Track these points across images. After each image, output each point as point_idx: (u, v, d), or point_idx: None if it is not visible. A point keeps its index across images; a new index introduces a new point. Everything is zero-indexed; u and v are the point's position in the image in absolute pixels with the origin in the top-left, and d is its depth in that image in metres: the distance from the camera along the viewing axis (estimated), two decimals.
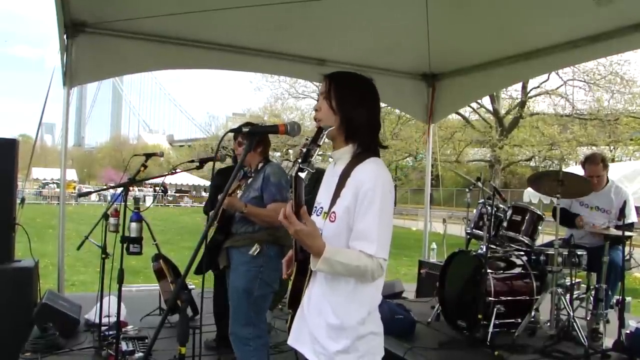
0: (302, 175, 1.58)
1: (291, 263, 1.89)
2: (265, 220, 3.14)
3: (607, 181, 4.63)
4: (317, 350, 1.75)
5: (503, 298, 4.02)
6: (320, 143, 1.63)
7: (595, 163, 4.57)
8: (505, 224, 4.34)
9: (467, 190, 5.08)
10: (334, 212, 1.74)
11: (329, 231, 1.72)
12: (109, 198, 18.27)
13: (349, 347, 1.70)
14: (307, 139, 1.64)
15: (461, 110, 21.67)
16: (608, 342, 3.75)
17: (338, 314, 1.72)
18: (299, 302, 1.83)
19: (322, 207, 1.82)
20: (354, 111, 1.77)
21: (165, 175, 4.35)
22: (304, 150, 1.59)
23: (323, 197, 1.84)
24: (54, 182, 38.43)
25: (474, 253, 4.33)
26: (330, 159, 1.90)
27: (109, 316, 3.92)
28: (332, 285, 1.73)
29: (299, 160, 1.57)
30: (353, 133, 1.78)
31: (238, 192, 3.30)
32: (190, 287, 4.91)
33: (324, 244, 1.62)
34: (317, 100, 1.84)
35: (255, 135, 1.93)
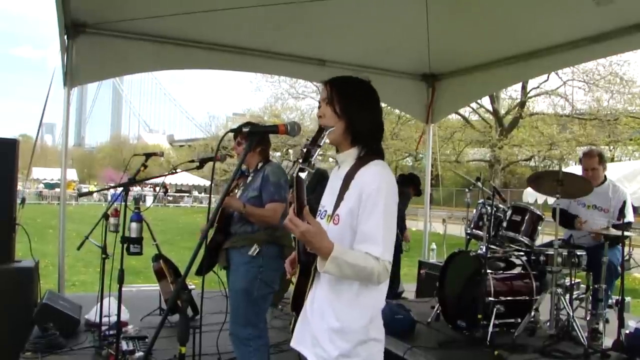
0: (303, 175, 1.58)
1: (295, 264, 1.89)
2: (263, 220, 3.13)
3: (605, 179, 4.64)
4: (318, 354, 1.74)
5: (503, 298, 4.02)
6: (321, 144, 1.63)
7: (591, 156, 4.61)
8: (504, 224, 4.34)
9: (466, 190, 5.08)
10: (337, 215, 1.74)
11: (333, 234, 1.71)
12: (109, 198, 18.25)
13: (350, 351, 1.70)
14: (307, 139, 1.65)
15: (461, 110, 21.66)
16: (608, 341, 3.75)
17: (340, 318, 1.71)
18: (302, 304, 1.83)
19: (326, 210, 1.82)
20: (358, 115, 1.78)
21: (165, 175, 4.34)
22: (304, 150, 1.60)
23: (327, 200, 1.84)
24: (45, 182, 38.35)
25: (474, 253, 4.33)
26: (331, 160, 1.91)
27: (109, 316, 3.92)
28: (335, 289, 1.73)
29: (300, 161, 1.58)
30: (358, 137, 1.79)
31: (236, 191, 3.29)
32: (190, 287, 4.91)
33: (332, 243, 1.60)
34: (319, 107, 1.83)
35: (255, 135, 1.93)
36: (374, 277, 1.65)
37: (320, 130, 1.67)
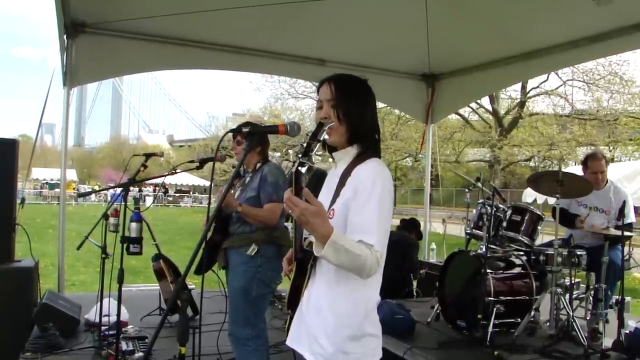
0: (303, 170, 1.57)
1: (292, 261, 1.89)
2: (260, 220, 3.12)
3: (606, 181, 4.64)
4: (314, 351, 1.74)
5: (503, 298, 4.02)
6: (321, 138, 1.63)
7: (598, 159, 4.61)
8: (504, 224, 4.34)
9: (466, 190, 5.08)
10: (332, 210, 1.74)
11: None
12: (109, 198, 18.26)
13: (346, 347, 1.70)
14: (307, 134, 1.65)
15: (460, 111, 21.65)
16: (607, 342, 3.75)
17: (336, 314, 1.72)
18: (298, 302, 1.83)
19: None
20: (361, 118, 1.80)
21: (165, 176, 4.34)
22: (304, 144, 1.59)
23: (324, 198, 1.84)
24: (46, 183, 38.35)
25: (474, 253, 4.33)
26: (331, 160, 1.91)
27: (109, 316, 3.92)
28: (331, 286, 1.73)
29: (299, 155, 1.57)
30: (359, 137, 1.80)
31: (232, 191, 3.28)
32: (190, 287, 4.91)
33: (332, 227, 1.55)
34: (320, 107, 1.82)
35: (254, 135, 1.93)
36: (366, 267, 1.60)
37: (320, 124, 1.67)
